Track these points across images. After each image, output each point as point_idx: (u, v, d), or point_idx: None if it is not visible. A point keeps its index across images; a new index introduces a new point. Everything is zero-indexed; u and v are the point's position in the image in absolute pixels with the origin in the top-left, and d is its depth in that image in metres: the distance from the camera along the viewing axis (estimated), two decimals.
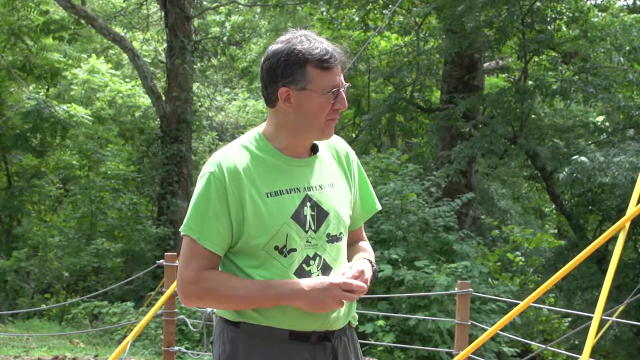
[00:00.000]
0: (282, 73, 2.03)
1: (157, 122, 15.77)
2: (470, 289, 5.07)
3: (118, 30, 16.98)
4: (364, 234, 2.37)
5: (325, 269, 2.09)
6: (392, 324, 8.41)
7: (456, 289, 5.14)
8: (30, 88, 15.67)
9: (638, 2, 15.03)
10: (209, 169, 2.06)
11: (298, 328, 2.06)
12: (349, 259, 2.24)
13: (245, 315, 2.08)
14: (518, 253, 11.24)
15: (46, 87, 16.70)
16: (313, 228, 2.08)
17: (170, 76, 14.82)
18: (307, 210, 2.08)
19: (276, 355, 2.06)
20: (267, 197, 2.05)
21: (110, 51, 18.94)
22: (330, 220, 2.11)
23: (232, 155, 2.08)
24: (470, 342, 4.58)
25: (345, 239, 2.18)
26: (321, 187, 2.12)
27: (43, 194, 16.07)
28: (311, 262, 2.08)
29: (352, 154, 2.26)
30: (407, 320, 8.19)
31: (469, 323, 5.07)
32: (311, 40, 2.05)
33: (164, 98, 14.73)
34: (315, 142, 2.16)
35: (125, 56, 17.39)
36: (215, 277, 2.05)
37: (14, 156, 15.52)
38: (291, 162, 2.10)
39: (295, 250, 2.06)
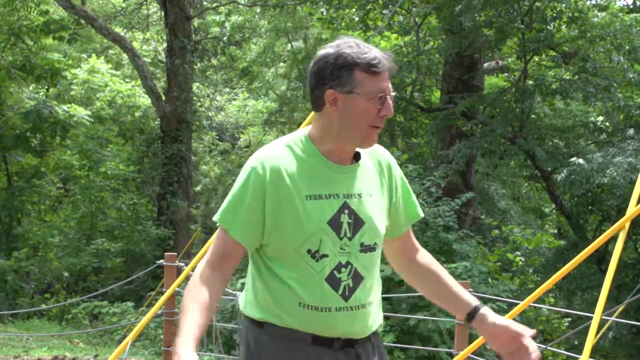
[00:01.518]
0: (330, 75, 2.04)
1: (157, 122, 15.78)
2: (470, 289, 5.07)
3: (118, 30, 16.98)
4: (415, 241, 2.35)
5: (356, 277, 2.09)
6: (392, 324, 8.41)
7: None
8: (30, 88, 15.68)
9: (638, 2, 15.03)
10: (252, 164, 2.08)
11: (321, 333, 2.07)
12: (427, 282, 2.27)
13: (270, 316, 2.09)
14: (518, 253, 11.24)
15: (46, 87, 16.70)
16: (348, 235, 2.08)
17: (170, 76, 14.82)
18: (344, 218, 2.08)
19: (298, 357, 2.07)
20: (307, 199, 2.05)
21: (110, 51, 18.95)
22: (366, 230, 2.11)
23: (277, 155, 2.08)
24: (470, 342, 4.58)
25: (379, 250, 2.18)
26: (360, 196, 2.12)
27: (43, 194, 16.07)
28: (343, 269, 2.07)
29: (394, 163, 2.26)
30: (407, 320, 8.18)
31: None
32: (360, 46, 2.06)
33: (164, 98, 14.74)
34: (358, 149, 2.15)
35: (125, 56, 17.39)
36: (201, 290, 2.05)
37: (14, 156, 15.51)
38: (334, 167, 2.11)
39: (327, 256, 2.06)
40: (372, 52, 2.05)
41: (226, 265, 2.10)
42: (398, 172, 2.26)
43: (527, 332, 2.12)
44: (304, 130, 2.17)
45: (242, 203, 2.06)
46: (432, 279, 2.28)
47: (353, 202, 2.10)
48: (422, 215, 2.34)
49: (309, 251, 2.05)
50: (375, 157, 2.21)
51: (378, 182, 2.19)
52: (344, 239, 2.08)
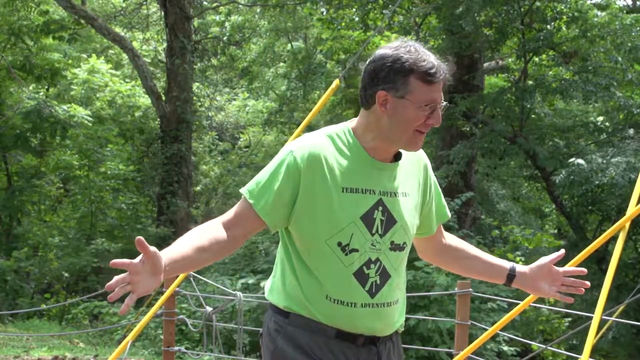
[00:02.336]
0: (385, 77, 2.05)
1: (157, 122, 15.77)
2: (470, 289, 5.07)
3: (118, 30, 16.98)
4: (443, 231, 2.41)
5: (384, 274, 2.11)
6: None
7: (456, 288, 5.15)
8: (30, 88, 15.67)
9: (638, 2, 15.03)
10: (291, 148, 2.09)
11: (345, 328, 2.08)
12: (461, 259, 2.38)
13: (296, 306, 2.10)
14: (518, 253, 11.24)
15: (46, 87, 16.69)
16: (380, 232, 2.10)
17: (170, 76, 14.81)
18: (378, 214, 2.09)
19: (322, 348, 2.08)
20: (343, 191, 2.06)
21: (110, 51, 18.94)
22: (397, 229, 2.13)
23: (319, 143, 2.09)
24: (470, 341, 4.58)
25: (407, 250, 2.20)
26: (395, 195, 2.13)
27: (43, 194, 16.07)
28: (372, 265, 2.09)
29: (429, 165, 2.30)
30: (407, 320, 8.18)
31: (469, 323, 5.07)
32: (420, 52, 2.06)
33: (164, 98, 14.73)
34: (400, 150, 2.17)
35: (125, 56, 17.39)
36: (202, 231, 2.02)
37: (14, 156, 15.51)
38: (374, 163, 2.12)
39: (357, 250, 2.07)
40: (431, 60, 2.05)
41: (237, 230, 2.07)
42: (432, 174, 2.30)
43: (552, 260, 2.30)
44: (348, 123, 2.18)
45: (272, 182, 2.06)
46: (463, 257, 2.38)
47: (388, 200, 2.12)
48: (449, 215, 2.39)
49: (339, 244, 2.06)
50: (413, 157, 2.24)
51: (414, 183, 2.21)
52: (375, 235, 2.09)
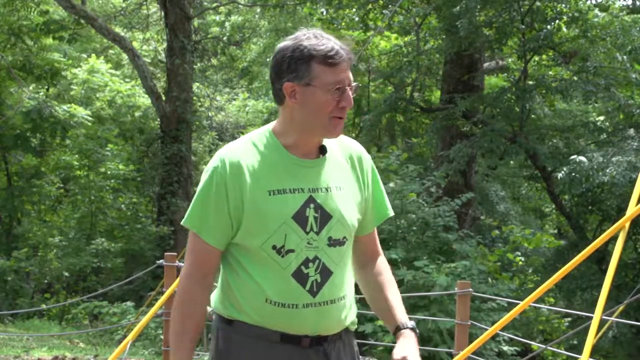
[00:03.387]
0: (288, 68, 2.03)
1: (157, 122, 15.77)
2: (470, 289, 5.06)
3: (118, 30, 16.97)
4: (378, 244, 2.30)
5: (324, 272, 2.06)
6: None
7: (456, 288, 5.14)
8: (30, 88, 15.67)
9: (638, 3, 15.03)
10: (213, 164, 2.06)
11: (289, 331, 2.05)
12: (371, 291, 2.21)
13: (239, 314, 2.08)
14: (518, 253, 11.24)
15: (46, 87, 16.70)
16: (315, 230, 2.06)
17: (170, 76, 14.81)
18: (310, 212, 2.05)
19: (266, 356, 2.06)
20: (270, 195, 2.03)
21: (110, 51, 18.94)
22: (334, 224, 2.08)
23: (238, 151, 2.07)
24: (470, 341, 4.58)
25: (349, 243, 2.14)
26: (327, 190, 2.09)
27: (43, 194, 16.07)
28: (310, 264, 2.05)
29: (367, 158, 2.23)
30: None
31: (469, 323, 5.06)
32: (318, 37, 2.04)
33: (164, 98, 14.73)
34: (324, 141, 2.13)
35: (125, 56, 17.39)
36: (193, 305, 2.10)
37: (14, 156, 15.51)
38: (298, 162, 2.09)
39: (293, 251, 2.03)
40: (330, 43, 2.02)
41: (206, 272, 2.09)
42: (369, 166, 2.22)
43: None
44: (269, 125, 2.15)
45: (208, 205, 2.04)
46: (375, 289, 2.22)
47: (320, 195, 2.07)
48: (391, 214, 2.29)
49: (274, 247, 2.03)
50: (346, 150, 2.19)
51: (349, 176, 2.16)
52: (310, 233, 2.05)
